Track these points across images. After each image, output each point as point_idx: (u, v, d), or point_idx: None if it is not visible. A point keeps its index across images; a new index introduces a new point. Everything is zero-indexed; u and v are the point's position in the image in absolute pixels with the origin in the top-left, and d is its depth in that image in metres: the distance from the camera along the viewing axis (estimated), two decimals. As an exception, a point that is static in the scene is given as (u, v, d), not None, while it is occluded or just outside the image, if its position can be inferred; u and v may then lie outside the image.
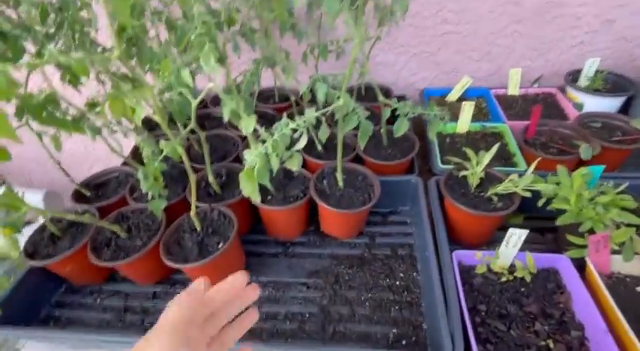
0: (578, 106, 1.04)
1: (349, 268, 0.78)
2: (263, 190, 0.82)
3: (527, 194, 0.69)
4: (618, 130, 0.91)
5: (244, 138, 0.99)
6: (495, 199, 0.73)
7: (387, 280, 0.75)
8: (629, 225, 0.63)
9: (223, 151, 0.99)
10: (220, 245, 0.70)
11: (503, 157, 0.92)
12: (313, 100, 1.12)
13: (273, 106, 1.15)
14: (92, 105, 0.78)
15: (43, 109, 0.59)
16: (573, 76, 1.08)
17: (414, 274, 0.76)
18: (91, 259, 0.69)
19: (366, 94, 1.16)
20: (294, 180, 0.84)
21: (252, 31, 0.79)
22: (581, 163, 0.84)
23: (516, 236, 0.63)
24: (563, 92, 1.10)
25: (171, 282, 0.80)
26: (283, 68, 0.81)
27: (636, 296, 0.62)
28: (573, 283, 0.63)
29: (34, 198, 1.35)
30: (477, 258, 0.67)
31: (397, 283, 0.74)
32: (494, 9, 1.08)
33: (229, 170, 0.88)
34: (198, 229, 0.72)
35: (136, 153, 1.00)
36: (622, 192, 0.67)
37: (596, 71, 1.05)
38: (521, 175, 0.75)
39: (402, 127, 0.72)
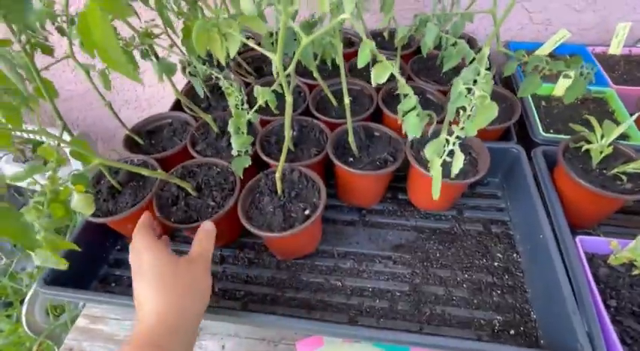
0: (698, 74, 0.90)
1: (439, 244, 0.70)
2: (343, 149, 0.71)
3: (667, 176, 0.59)
4: None
5: (312, 86, 0.85)
6: (624, 178, 0.63)
7: (484, 260, 0.67)
8: None
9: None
10: (307, 212, 0.61)
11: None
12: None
13: (336, 51, 1.00)
14: (148, 36, 0.65)
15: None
16: (693, 37, 0.93)
17: (514, 255, 0.68)
18: (160, 220, 0.61)
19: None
20: (377, 140, 0.73)
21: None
22: None
23: (665, 226, 0.54)
24: (674, 55, 0.95)
25: (239, 245, 0.72)
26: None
27: None
28: None
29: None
30: (611, 247, 0.58)
31: (495, 264, 0.67)
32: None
33: (301, 124, 0.77)
34: (279, 192, 0.63)
35: (188, 95, 0.88)
36: None
37: None
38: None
39: (531, 87, 0.60)
